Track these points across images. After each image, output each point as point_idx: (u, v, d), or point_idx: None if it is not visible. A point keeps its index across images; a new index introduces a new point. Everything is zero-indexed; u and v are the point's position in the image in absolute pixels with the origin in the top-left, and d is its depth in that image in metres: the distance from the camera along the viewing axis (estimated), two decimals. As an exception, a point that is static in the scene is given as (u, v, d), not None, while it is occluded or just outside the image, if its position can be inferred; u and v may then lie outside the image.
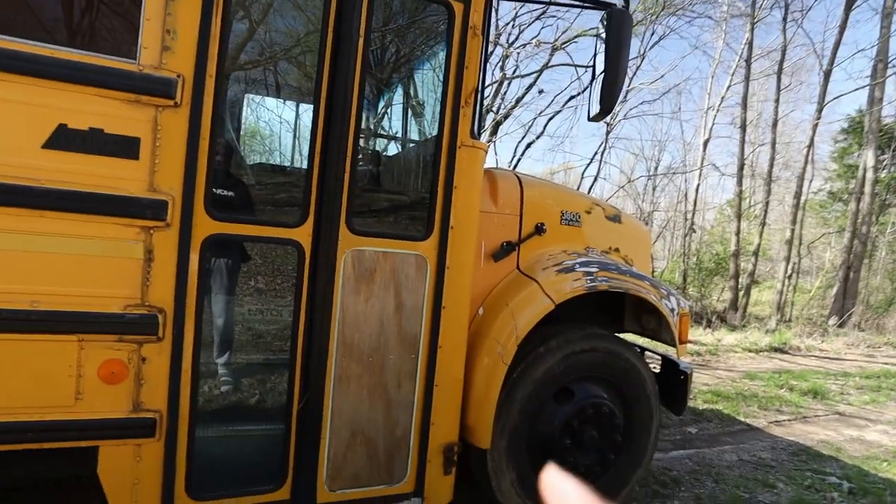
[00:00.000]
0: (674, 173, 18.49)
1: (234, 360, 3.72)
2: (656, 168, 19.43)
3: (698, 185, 15.87)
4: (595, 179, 12.98)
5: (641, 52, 12.79)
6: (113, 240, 1.90)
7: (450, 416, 2.49)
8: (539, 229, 2.95)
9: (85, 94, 1.83)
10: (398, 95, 3.59)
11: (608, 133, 13.05)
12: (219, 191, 2.32)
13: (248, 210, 2.92)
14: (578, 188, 12.80)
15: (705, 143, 15.03)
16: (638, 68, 13.21)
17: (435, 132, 2.43)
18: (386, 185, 3.21)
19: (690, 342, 9.06)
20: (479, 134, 2.61)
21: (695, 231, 16.29)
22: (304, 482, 2.22)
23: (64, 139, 1.82)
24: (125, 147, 1.88)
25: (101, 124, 1.85)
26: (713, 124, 15.16)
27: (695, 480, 3.70)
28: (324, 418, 2.22)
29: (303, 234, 2.17)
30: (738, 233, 14.49)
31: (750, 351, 9.33)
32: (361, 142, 2.39)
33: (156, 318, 1.93)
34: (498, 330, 2.64)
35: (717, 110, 15.28)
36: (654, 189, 18.79)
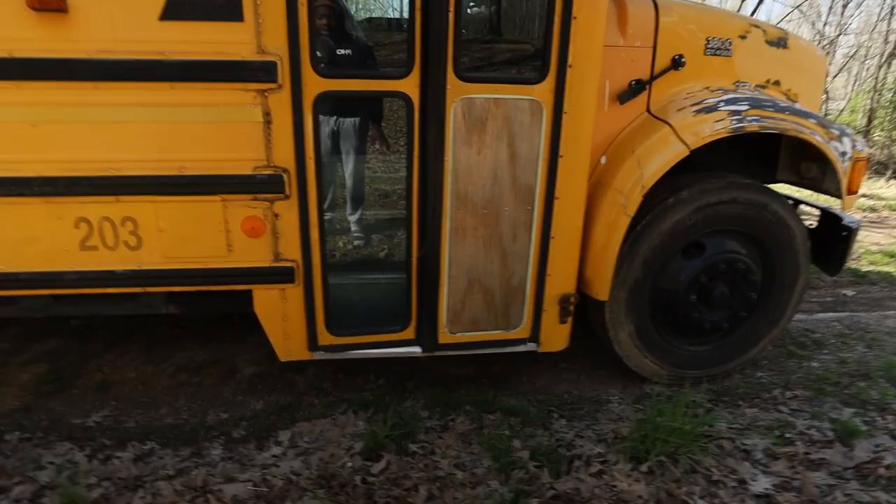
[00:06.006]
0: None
1: (364, 216, 4.01)
2: (852, -23, 15.23)
3: (911, -8, 12.29)
4: (760, 0, 10.59)
5: None
6: (235, 105, 2.01)
7: (566, 268, 2.46)
8: (676, 63, 2.53)
9: (185, -45, 1.83)
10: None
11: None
12: (325, 47, 2.30)
13: (355, 65, 2.88)
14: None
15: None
16: None
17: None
18: (496, 24, 2.92)
19: (863, 195, 7.79)
20: (604, -53, 2.18)
21: None
22: (426, 324, 2.42)
23: (176, 8, 1.88)
24: (229, 9, 1.90)
25: (205, -14, 1.86)
26: None
27: (842, 344, 3.37)
28: (441, 268, 2.33)
29: (409, 85, 2.09)
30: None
31: (948, 206, 7.77)
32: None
33: (281, 177, 2.08)
34: (622, 179, 2.45)
35: None
36: (844, 6, 14.97)
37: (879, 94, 12.25)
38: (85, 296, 2.28)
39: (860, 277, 4.60)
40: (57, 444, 2.29)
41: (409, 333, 2.44)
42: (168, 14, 1.89)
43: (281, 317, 2.31)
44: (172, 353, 3.06)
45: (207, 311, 2.61)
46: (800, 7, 12.52)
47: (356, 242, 3.79)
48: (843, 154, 2.61)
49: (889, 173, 10.13)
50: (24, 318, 3.00)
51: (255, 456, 2.25)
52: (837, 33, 14.30)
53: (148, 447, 2.29)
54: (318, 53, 2.04)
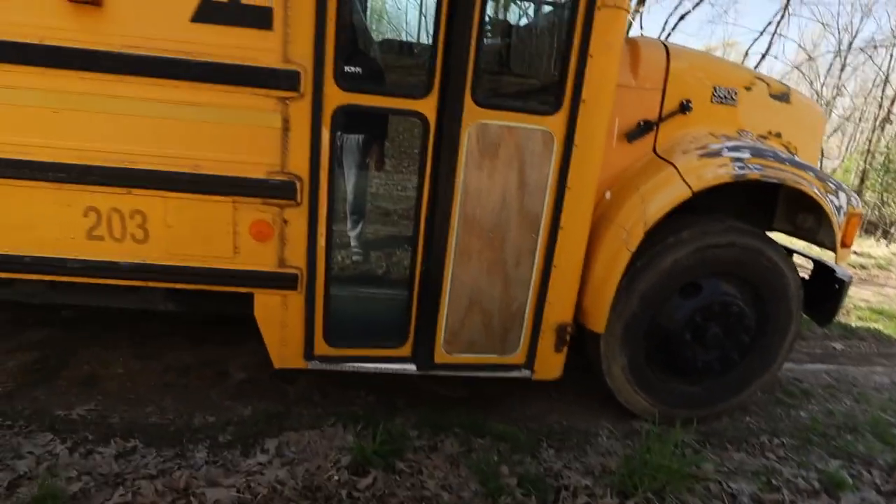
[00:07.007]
0: (877, 46, 14.86)
1: (365, 233, 4.03)
2: (851, 42, 15.77)
3: (906, 63, 12.77)
4: (763, 57, 10.97)
5: None
6: (256, 110, 2.05)
7: (566, 297, 2.49)
8: (684, 107, 2.61)
9: (221, -37, 1.89)
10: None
11: (790, -3, 10.68)
12: (348, 62, 2.36)
13: (376, 81, 2.94)
14: (740, 68, 11.01)
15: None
16: None
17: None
18: (516, 55, 3.01)
19: (855, 253, 7.94)
20: (624, -9, 2.27)
21: (891, 122, 13.44)
22: (423, 342, 2.42)
23: (208, 11, 1.94)
24: (260, 17, 1.95)
25: (238, -6, 1.92)
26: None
27: (830, 396, 3.41)
28: (443, 287, 2.34)
29: (427, 106, 2.15)
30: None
31: (935, 268, 7.94)
32: (490, 6, 2.22)
33: (294, 184, 2.11)
34: (625, 215, 2.50)
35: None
36: (842, 69, 15.48)
37: (872, 157, 12.59)
38: (84, 285, 2.27)
39: (849, 332, 4.66)
40: (38, 434, 2.25)
41: (405, 350, 2.44)
42: (199, 17, 1.95)
43: (280, 323, 2.31)
44: (163, 352, 3.03)
45: (205, 311, 2.59)
46: (799, 67, 12.97)
47: (355, 258, 3.81)
48: (839, 208, 2.68)
49: (879, 233, 10.34)
50: (15, 305, 2.97)
51: (241, 462, 2.22)
52: (834, 94, 14.77)
53: (131, 444, 2.25)
54: (342, 67, 2.09)
